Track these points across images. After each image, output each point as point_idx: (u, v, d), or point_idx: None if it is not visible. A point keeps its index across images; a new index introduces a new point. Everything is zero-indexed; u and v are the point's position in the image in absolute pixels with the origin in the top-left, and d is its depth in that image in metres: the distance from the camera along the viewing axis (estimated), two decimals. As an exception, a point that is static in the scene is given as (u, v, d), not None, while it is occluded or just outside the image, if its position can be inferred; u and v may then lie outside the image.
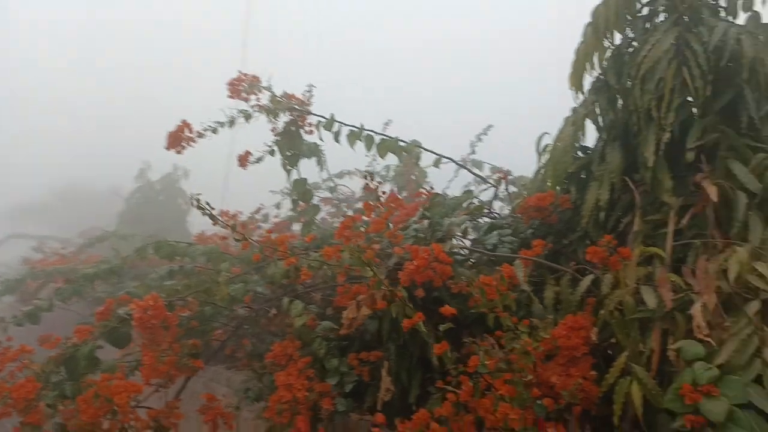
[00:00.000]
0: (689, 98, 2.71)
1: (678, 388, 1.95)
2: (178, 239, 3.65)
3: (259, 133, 3.84)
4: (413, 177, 5.30)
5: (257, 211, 5.61)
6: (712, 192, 2.43)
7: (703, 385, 1.92)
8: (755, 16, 2.74)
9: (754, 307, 2.09)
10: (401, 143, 3.78)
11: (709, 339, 2.06)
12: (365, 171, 4.92)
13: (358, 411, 3.14)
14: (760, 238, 2.35)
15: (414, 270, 2.44)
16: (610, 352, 2.42)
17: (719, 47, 2.56)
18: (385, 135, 3.76)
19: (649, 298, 2.23)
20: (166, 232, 6.22)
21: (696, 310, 2.12)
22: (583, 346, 2.29)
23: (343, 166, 6.06)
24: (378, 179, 3.04)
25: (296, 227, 5.29)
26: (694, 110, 2.72)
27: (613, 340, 2.33)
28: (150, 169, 9.28)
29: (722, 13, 2.89)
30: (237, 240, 2.68)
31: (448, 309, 2.28)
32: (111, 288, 4.31)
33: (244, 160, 3.65)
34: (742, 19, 2.81)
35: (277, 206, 5.88)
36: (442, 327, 2.31)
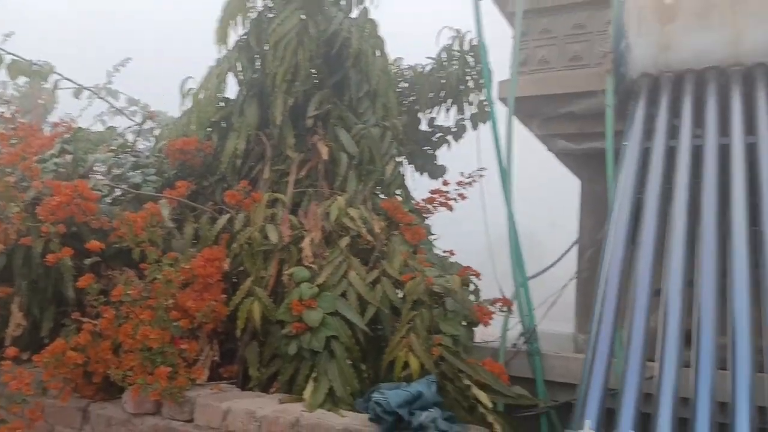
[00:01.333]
0: (314, 71, 3.31)
1: (288, 304, 2.53)
2: None
3: None
4: (41, 101, 4.86)
5: None
6: (324, 151, 3.08)
7: (306, 300, 2.53)
8: (365, 12, 3.45)
9: (345, 241, 2.79)
10: (35, 66, 3.51)
11: (313, 265, 2.69)
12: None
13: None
14: (354, 190, 3.09)
15: (56, 206, 2.46)
16: (235, 280, 2.87)
17: (334, 35, 3.17)
18: (17, 56, 3.44)
19: (272, 234, 2.76)
20: None
21: (306, 243, 2.74)
22: (216, 275, 2.69)
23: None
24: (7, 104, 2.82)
25: None
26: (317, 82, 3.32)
27: (242, 269, 2.80)
28: None
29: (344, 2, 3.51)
30: None
31: (95, 244, 2.40)
32: None
33: None
34: (356, 12, 3.49)
35: None
36: (88, 261, 2.42)
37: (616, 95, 3.06)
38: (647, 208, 2.43)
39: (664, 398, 1.88)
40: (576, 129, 3.56)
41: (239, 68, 3.40)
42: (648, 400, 2.01)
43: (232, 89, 3.46)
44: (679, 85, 2.90)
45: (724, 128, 2.66)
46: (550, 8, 3.71)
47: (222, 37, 3.39)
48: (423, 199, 3.30)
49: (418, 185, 3.74)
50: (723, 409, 1.92)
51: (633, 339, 2.04)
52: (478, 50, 3.58)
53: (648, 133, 2.76)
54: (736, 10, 2.88)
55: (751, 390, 1.86)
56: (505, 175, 3.10)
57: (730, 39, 2.87)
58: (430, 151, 4.19)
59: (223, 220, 2.90)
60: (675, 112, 2.81)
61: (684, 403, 1.92)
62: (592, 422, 1.87)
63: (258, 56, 3.39)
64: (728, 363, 1.94)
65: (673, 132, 2.73)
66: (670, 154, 2.63)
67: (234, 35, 3.42)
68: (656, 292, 2.19)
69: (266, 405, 2.36)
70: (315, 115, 3.16)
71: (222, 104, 3.41)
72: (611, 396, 2.00)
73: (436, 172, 4.16)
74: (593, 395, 1.95)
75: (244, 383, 2.70)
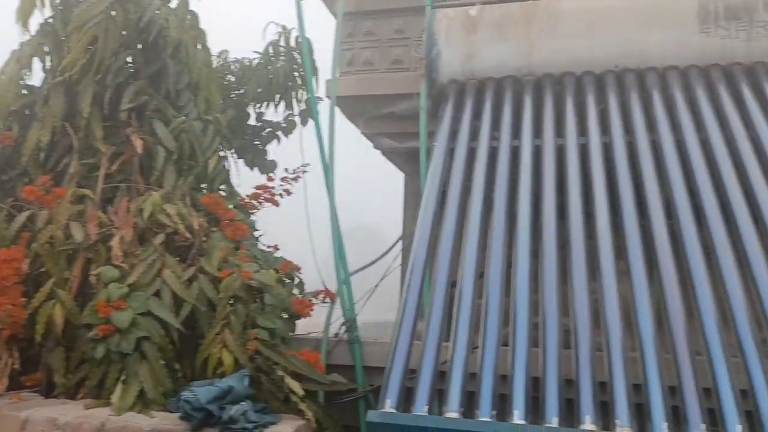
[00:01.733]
0: (129, 60, 3.16)
1: (94, 305, 2.41)
2: None
3: None
4: None
5: None
6: (138, 145, 2.96)
7: (115, 300, 2.43)
8: (185, 2, 3.34)
9: (160, 238, 2.72)
10: None
11: (123, 264, 2.59)
12: None
13: None
14: (172, 185, 3.00)
15: None
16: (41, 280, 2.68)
17: (149, 23, 3.05)
18: None
19: (77, 233, 2.61)
20: None
21: (115, 241, 2.62)
22: (13, 277, 2.49)
23: None
24: None
25: None
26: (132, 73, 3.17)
27: (43, 270, 2.61)
28: None
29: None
30: None
31: None
32: None
33: None
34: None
35: None
36: None
37: (430, 98, 3.29)
38: (449, 203, 2.65)
39: (454, 375, 2.07)
40: (399, 128, 3.76)
41: (46, 52, 3.16)
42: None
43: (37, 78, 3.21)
44: (481, 92, 3.19)
45: (516, 131, 2.96)
46: (374, 12, 3.87)
47: (24, 18, 3.12)
48: (248, 195, 3.30)
49: (252, 180, 3.73)
50: (504, 381, 2.16)
51: (431, 324, 2.22)
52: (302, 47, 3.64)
53: (453, 134, 3.00)
54: (528, 25, 3.23)
55: (527, 363, 2.11)
56: (327, 171, 3.20)
57: (524, 51, 3.21)
58: (261, 146, 4.19)
59: (22, 217, 2.68)
60: (477, 116, 3.08)
61: (473, 378, 2.13)
62: (392, 401, 2.02)
63: (65, 43, 3.16)
64: (510, 341, 2.19)
65: (475, 134, 2.99)
66: (471, 154, 2.88)
67: (41, 17, 3.18)
68: (454, 284, 2.40)
69: (70, 411, 2.24)
70: (130, 107, 3.01)
71: (25, 92, 3.15)
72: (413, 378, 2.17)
73: (267, 167, 4.17)
74: (395, 377, 2.10)
75: (49, 391, 2.54)
